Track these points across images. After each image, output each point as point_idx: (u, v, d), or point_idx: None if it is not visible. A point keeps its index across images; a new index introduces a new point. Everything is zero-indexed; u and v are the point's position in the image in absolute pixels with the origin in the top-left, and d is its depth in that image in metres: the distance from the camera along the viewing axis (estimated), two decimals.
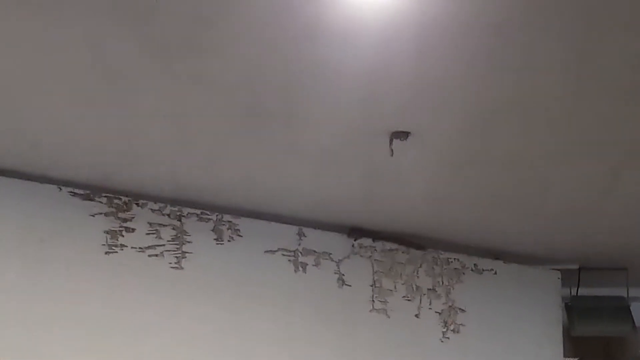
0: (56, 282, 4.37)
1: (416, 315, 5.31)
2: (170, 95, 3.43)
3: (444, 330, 5.39)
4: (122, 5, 2.74)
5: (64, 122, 3.76)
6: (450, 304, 5.44)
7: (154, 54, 3.06)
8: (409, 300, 5.31)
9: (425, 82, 3.20)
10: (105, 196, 4.56)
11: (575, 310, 6.02)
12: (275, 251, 4.96)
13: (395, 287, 5.28)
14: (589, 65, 3.02)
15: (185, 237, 4.72)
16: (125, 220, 4.59)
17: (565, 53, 2.94)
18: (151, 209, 4.67)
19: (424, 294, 5.37)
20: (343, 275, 5.13)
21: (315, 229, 5.12)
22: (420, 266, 5.40)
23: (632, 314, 5.98)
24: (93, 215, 4.52)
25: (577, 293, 6.12)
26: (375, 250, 5.28)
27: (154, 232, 4.65)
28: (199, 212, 4.79)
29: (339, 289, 5.10)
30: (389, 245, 5.33)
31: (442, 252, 5.50)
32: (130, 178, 4.47)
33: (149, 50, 3.03)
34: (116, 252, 4.54)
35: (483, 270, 5.62)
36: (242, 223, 4.90)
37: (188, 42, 2.97)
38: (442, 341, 5.36)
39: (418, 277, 5.37)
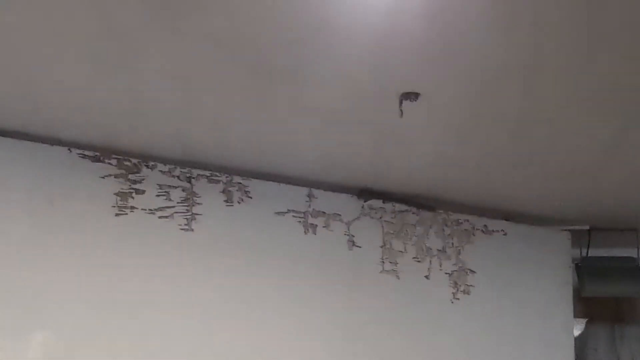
0: (66, 244, 4.39)
1: (426, 277, 5.32)
2: (177, 55, 3.42)
3: (454, 291, 5.39)
4: None
5: (70, 83, 3.76)
6: (460, 265, 5.44)
7: (159, 12, 3.04)
8: (418, 261, 5.31)
9: (436, 42, 3.18)
10: (115, 158, 4.57)
11: (585, 271, 6.02)
12: (285, 213, 4.96)
13: (405, 249, 5.29)
14: (597, 23, 2.99)
15: (195, 198, 4.72)
16: (135, 182, 4.59)
17: (575, 11, 2.91)
18: (161, 171, 4.67)
19: (434, 255, 5.37)
20: (353, 236, 5.13)
21: (325, 190, 5.12)
22: (430, 227, 5.40)
23: None
24: (103, 177, 4.53)
25: (587, 254, 6.11)
26: (385, 211, 5.28)
27: (163, 193, 4.65)
28: (208, 173, 4.79)
29: (348, 250, 5.11)
30: (399, 206, 5.32)
31: (452, 213, 5.50)
32: (139, 139, 4.46)
33: (153, 8, 3.01)
34: (126, 213, 4.55)
35: (493, 231, 5.62)
36: (252, 185, 4.90)
37: (195, 1, 2.96)
38: (452, 302, 5.37)
39: (428, 238, 5.38)
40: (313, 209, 5.05)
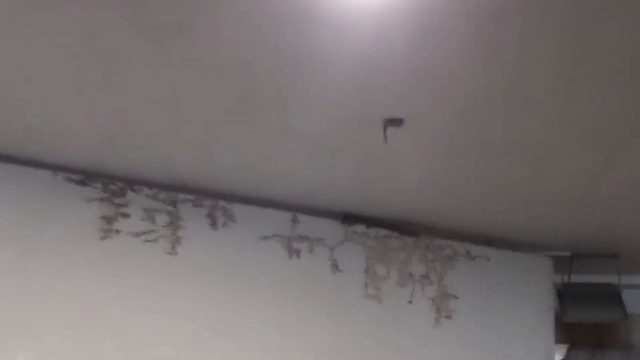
0: (51, 268, 4.38)
1: (409, 302, 5.33)
2: (164, 81, 3.44)
3: (437, 316, 5.40)
4: None
5: (57, 107, 3.77)
6: (443, 290, 5.46)
7: (148, 39, 3.07)
8: (401, 286, 5.33)
9: (420, 69, 3.22)
10: (100, 182, 4.57)
11: (567, 296, 6.06)
12: (269, 237, 4.97)
13: (388, 274, 5.30)
14: (584, 51, 3.03)
15: (179, 222, 4.73)
16: (120, 205, 4.60)
17: (561, 40, 2.95)
18: (146, 195, 4.68)
19: (417, 281, 5.39)
20: (336, 261, 5.15)
21: (309, 215, 5.13)
22: (413, 253, 5.42)
23: (623, 301, 6.01)
24: (88, 201, 4.53)
25: (569, 280, 6.15)
26: (369, 236, 5.30)
27: (148, 217, 4.65)
28: (193, 197, 4.80)
29: (332, 274, 5.12)
30: (382, 231, 5.34)
31: (435, 239, 5.52)
32: (125, 164, 4.47)
33: (142, 35, 3.04)
34: (111, 237, 4.55)
35: (476, 256, 5.64)
36: (237, 209, 4.91)
37: (182, 28, 2.98)
38: (434, 327, 5.38)
39: (411, 263, 5.39)
40: (297, 234, 5.06)
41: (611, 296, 6.05)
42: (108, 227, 4.55)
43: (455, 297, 5.50)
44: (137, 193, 4.66)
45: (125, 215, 4.60)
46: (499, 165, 4.28)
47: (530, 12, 2.79)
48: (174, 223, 4.72)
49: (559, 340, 5.99)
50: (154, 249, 4.64)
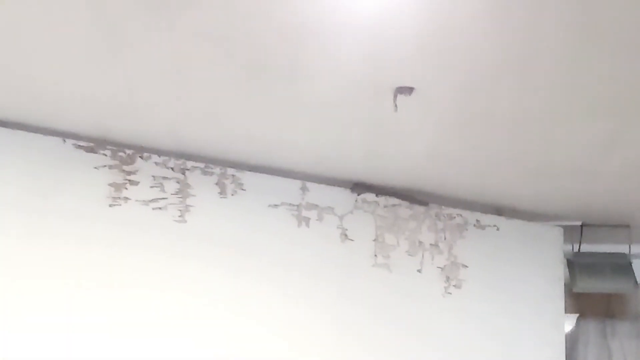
0: (60, 235, 4.40)
1: (418, 271, 5.33)
2: (171, 49, 3.43)
3: (446, 285, 5.41)
4: None
5: (65, 75, 3.77)
6: (452, 260, 5.45)
7: (154, 7, 3.05)
8: (411, 255, 5.32)
9: (431, 37, 3.20)
10: (109, 149, 4.57)
11: (577, 266, 6.04)
12: (278, 205, 4.97)
13: (397, 242, 5.30)
14: (593, 22, 3.01)
15: (188, 190, 4.73)
16: (129, 173, 4.60)
17: (571, 10, 2.93)
18: (155, 162, 4.68)
19: (427, 250, 5.38)
20: (346, 230, 5.15)
21: (318, 183, 5.12)
22: (423, 221, 5.41)
23: (634, 270, 6.00)
24: (97, 168, 4.54)
25: (579, 249, 6.13)
26: (378, 205, 5.29)
27: (157, 185, 4.66)
28: (202, 165, 4.80)
29: (341, 243, 5.12)
30: (392, 200, 5.34)
31: (445, 208, 5.51)
32: (134, 131, 4.47)
33: (149, 3, 3.02)
34: (120, 205, 4.56)
35: (485, 226, 5.63)
36: (246, 177, 4.91)
37: None
38: (443, 296, 5.39)
39: (421, 232, 5.39)
40: (306, 202, 5.06)
41: (622, 266, 6.03)
42: (117, 194, 4.55)
43: (465, 266, 5.49)
44: (146, 160, 4.66)
45: (134, 183, 4.61)
46: (508, 135, 4.27)
47: None
48: (183, 191, 4.72)
49: (568, 310, 5.99)
50: (162, 216, 4.65)
